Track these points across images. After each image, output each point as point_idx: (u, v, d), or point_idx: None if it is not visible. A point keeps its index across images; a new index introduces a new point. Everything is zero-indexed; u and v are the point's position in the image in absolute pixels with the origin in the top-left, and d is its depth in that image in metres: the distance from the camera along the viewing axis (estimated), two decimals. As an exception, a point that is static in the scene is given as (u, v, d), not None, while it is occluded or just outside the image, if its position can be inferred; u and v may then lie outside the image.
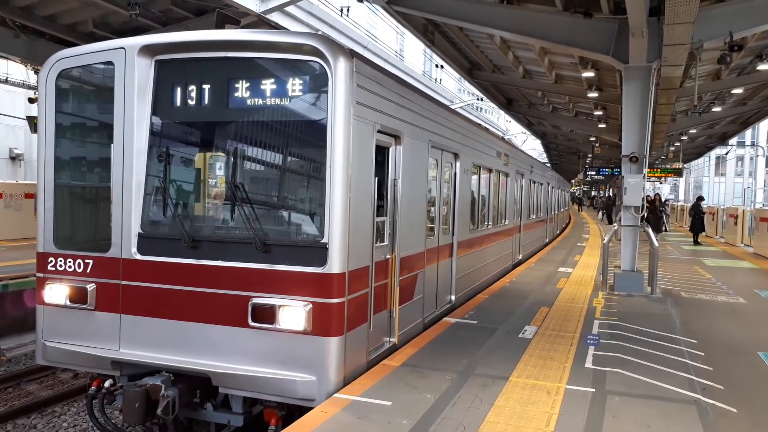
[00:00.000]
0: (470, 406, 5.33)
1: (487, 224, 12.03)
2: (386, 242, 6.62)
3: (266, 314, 5.45)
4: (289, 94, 5.53)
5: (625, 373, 6.42)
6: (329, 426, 4.80)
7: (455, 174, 9.33)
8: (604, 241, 12.13)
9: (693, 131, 30.85)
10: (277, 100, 5.57)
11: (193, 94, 5.85)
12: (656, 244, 11.71)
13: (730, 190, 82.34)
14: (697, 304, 10.85)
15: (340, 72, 5.34)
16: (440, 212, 8.65)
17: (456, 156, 9.26)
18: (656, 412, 5.33)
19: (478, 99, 43.81)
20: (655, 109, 16.46)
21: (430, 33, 16.79)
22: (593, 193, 78.45)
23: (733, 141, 42.45)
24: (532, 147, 59.08)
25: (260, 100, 5.62)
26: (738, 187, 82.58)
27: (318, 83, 5.46)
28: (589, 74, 17.35)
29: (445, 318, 8.74)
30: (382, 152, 6.49)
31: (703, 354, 7.34)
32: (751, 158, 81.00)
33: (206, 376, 5.61)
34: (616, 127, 23.25)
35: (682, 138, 33.12)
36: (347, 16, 24.76)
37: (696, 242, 23.69)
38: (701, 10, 9.24)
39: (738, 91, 20.85)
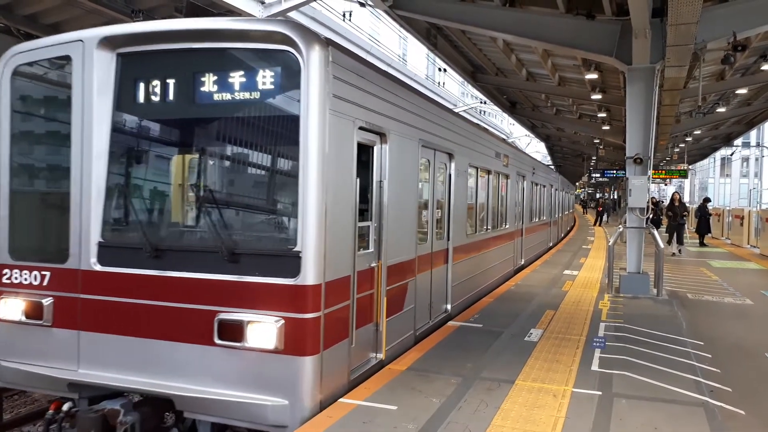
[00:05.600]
0: (476, 410, 5.30)
1: (486, 228, 11.56)
2: (371, 249, 6.16)
3: (233, 331, 4.97)
4: (260, 87, 5.09)
5: (632, 375, 6.38)
6: (334, 431, 4.77)
7: (450, 175, 8.84)
8: (610, 244, 12.10)
9: (697, 132, 30.80)
10: (247, 94, 5.13)
11: (158, 90, 5.39)
12: (662, 245, 11.66)
13: (736, 191, 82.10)
14: (704, 306, 10.79)
15: (313, 61, 4.89)
16: (433, 216, 8.18)
17: (450, 156, 8.79)
18: (664, 415, 5.29)
19: (481, 102, 43.81)
20: (659, 110, 16.44)
21: (432, 37, 16.81)
22: (597, 195, 78.19)
23: (738, 142, 42.38)
24: (537, 149, 59.01)
25: (229, 94, 5.18)
26: (743, 187, 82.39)
27: (290, 74, 5.00)
28: (593, 76, 17.35)
29: (449, 322, 8.70)
30: (366, 151, 6.07)
31: (710, 356, 7.29)
32: (757, 159, 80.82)
33: (169, 400, 5.14)
34: (620, 129, 23.21)
35: (687, 139, 33.07)
36: (350, 20, 24.81)
37: (702, 244, 23.57)
38: (704, 10, 9.22)
39: (742, 91, 20.81)
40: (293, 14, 24.06)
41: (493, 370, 6.49)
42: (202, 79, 5.24)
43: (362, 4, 15.19)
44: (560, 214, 27.14)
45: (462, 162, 9.32)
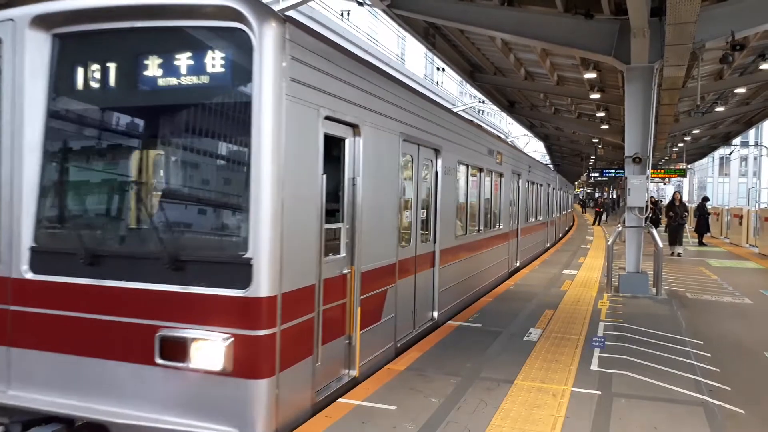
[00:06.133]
0: (475, 409, 5.29)
1: (478, 229, 10.98)
2: (342, 254, 5.56)
3: (176, 349, 4.37)
4: (208, 70, 4.52)
5: (632, 375, 6.37)
6: (333, 431, 4.76)
7: (436, 173, 8.24)
8: (608, 243, 12.10)
9: (696, 131, 30.84)
10: (195, 79, 4.57)
11: (97, 75, 4.84)
12: (660, 244, 11.66)
13: (735, 191, 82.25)
14: (703, 305, 10.79)
15: (267, 40, 4.33)
16: (418, 217, 7.61)
17: (437, 152, 8.19)
18: (663, 415, 5.28)
19: (480, 102, 43.82)
20: (658, 109, 16.44)
21: (431, 36, 16.80)
22: (596, 194, 78.27)
23: (737, 141, 42.39)
24: (535, 149, 59.09)
25: (175, 79, 4.62)
26: (742, 187, 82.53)
27: (241, 55, 4.44)
28: (591, 75, 17.35)
29: (448, 321, 8.68)
30: (337, 145, 5.56)
31: (709, 355, 7.29)
32: (755, 158, 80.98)
33: (105, 426, 4.57)
34: (619, 129, 23.22)
35: (686, 138, 33.10)
36: (348, 20, 24.81)
37: (701, 243, 23.58)
38: (702, 9, 9.23)
39: (741, 90, 20.84)
40: (291, 13, 24.06)
41: (492, 369, 6.47)
42: (146, 62, 4.67)
43: (360, 3, 15.19)
44: (558, 214, 26.92)
45: (450, 158, 8.78)
